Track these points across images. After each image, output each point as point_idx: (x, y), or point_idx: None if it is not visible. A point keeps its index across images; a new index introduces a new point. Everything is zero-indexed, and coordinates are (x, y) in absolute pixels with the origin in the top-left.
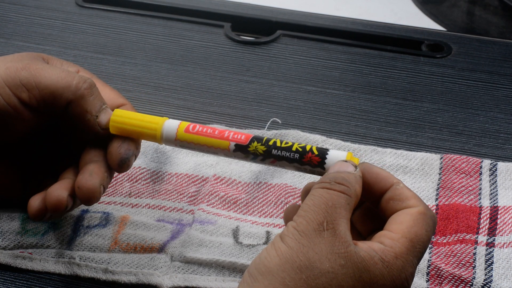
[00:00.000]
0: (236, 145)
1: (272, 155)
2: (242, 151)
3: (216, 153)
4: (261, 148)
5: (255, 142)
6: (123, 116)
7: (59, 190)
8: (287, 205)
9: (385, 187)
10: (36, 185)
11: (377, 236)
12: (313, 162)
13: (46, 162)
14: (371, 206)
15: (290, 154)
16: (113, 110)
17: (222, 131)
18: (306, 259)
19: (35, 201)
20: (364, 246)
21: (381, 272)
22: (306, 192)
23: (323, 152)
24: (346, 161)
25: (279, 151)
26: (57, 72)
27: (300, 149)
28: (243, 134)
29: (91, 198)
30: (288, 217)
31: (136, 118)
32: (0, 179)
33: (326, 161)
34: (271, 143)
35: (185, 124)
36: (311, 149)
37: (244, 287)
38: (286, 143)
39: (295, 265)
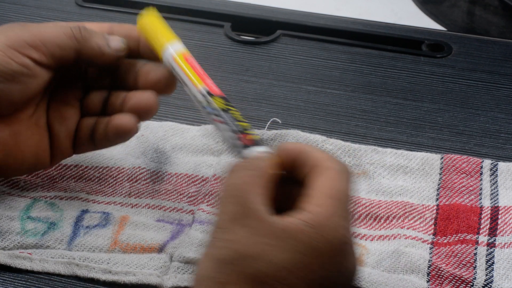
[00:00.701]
0: (205, 89)
1: (221, 115)
2: (204, 96)
3: (187, 86)
4: (220, 103)
5: (220, 98)
6: (151, 21)
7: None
8: None
9: (297, 154)
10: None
11: (299, 203)
12: (244, 142)
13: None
14: (296, 178)
15: (234, 125)
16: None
17: (205, 75)
18: (233, 251)
19: None
20: (288, 219)
21: (313, 236)
22: None
23: (256, 143)
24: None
25: (229, 118)
26: (55, 28)
27: (243, 127)
28: (218, 89)
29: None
30: None
31: (159, 27)
32: (27, 141)
33: (248, 149)
34: (231, 110)
35: (186, 52)
36: (252, 136)
37: None
38: (242, 121)
39: (226, 261)
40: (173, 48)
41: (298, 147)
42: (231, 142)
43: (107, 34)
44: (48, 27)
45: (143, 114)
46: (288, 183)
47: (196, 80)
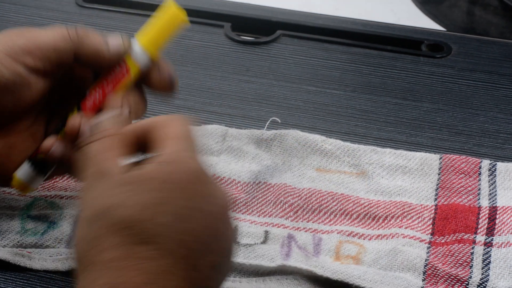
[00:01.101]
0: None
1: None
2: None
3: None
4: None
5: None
6: (145, 35)
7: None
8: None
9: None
10: None
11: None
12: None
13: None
14: None
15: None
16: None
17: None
18: (97, 207)
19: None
20: (141, 166)
21: (163, 170)
22: None
23: None
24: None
25: None
26: (50, 31)
27: None
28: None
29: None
30: None
31: (154, 27)
32: (21, 154)
33: None
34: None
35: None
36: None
37: (76, 266)
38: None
39: (92, 218)
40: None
41: (142, 126)
42: None
43: (105, 34)
44: (44, 31)
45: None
46: None
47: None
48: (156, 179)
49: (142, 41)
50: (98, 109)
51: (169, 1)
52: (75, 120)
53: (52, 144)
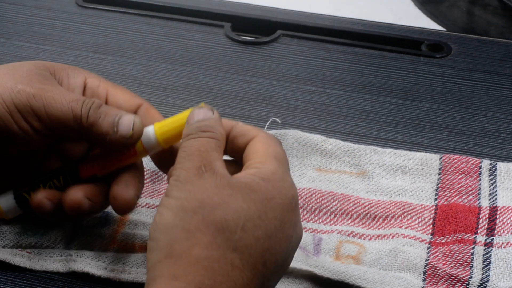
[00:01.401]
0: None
1: None
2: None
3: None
4: None
5: None
6: (164, 126)
7: (77, 193)
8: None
9: (227, 131)
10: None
11: (246, 166)
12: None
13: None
14: (229, 154)
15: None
16: (132, 113)
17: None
18: (196, 201)
19: (47, 202)
20: (242, 175)
21: (266, 188)
22: None
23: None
24: (200, 107)
25: None
26: (67, 102)
27: None
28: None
29: (126, 209)
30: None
31: (176, 122)
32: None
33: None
34: None
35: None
36: None
37: (150, 253)
38: None
39: (189, 210)
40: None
41: (225, 123)
42: None
43: (119, 115)
44: (61, 98)
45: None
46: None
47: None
48: (259, 193)
49: (159, 132)
50: (94, 175)
51: (202, 104)
52: (38, 197)
53: (39, 201)
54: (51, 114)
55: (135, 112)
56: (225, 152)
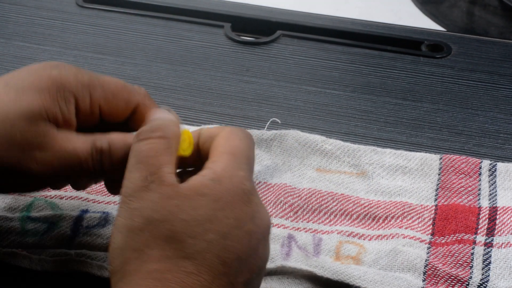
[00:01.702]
0: None
1: None
2: None
3: None
4: None
5: None
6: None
7: None
8: None
9: (196, 141)
10: None
11: (204, 166)
12: None
13: None
14: (203, 160)
15: None
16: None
17: None
18: (143, 218)
19: None
20: (193, 178)
21: (215, 188)
22: None
23: None
24: (160, 107)
25: None
26: (78, 147)
27: None
28: None
29: None
30: None
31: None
32: None
33: None
34: None
35: None
36: None
37: (111, 278)
38: None
39: (135, 229)
40: None
41: (196, 133)
42: None
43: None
44: (72, 143)
45: None
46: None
47: None
48: (207, 196)
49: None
50: None
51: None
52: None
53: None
54: (60, 157)
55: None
56: (197, 161)
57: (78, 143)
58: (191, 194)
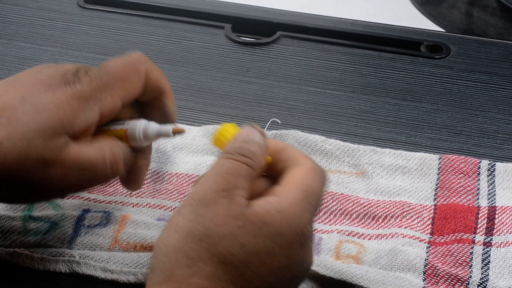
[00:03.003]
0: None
1: None
2: None
3: None
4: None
5: None
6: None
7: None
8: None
9: (277, 151)
10: None
11: (271, 190)
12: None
13: None
14: (271, 173)
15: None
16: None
17: None
18: (204, 228)
19: None
20: (259, 202)
21: (280, 222)
22: None
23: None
24: (254, 127)
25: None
26: (96, 153)
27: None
28: None
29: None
30: None
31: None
32: None
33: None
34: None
35: None
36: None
37: (151, 273)
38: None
39: (195, 236)
40: None
41: (277, 145)
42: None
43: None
44: (93, 149)
45: None
46: (264, 177)
47: None
48: (270, 227)
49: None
50: None
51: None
52: None
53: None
54: (75, 166)
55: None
56: (272, 172)
57: (94, 154)
58: (257, 221)
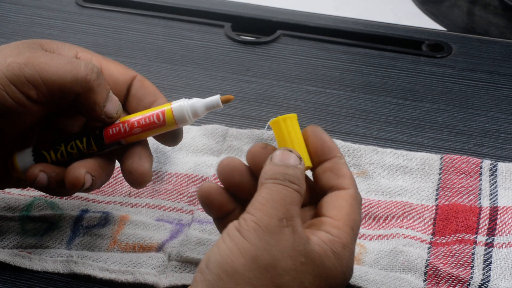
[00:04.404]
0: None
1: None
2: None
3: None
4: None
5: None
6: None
7: (79, 169)
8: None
9: (327, 156)
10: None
11: (321, 223)
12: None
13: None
14: (313, 177)
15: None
16: (126, 87)
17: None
18: (271, 257)
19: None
20: (315, 240)
21: (334, 264)
22: (252, 155)
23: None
24: (290, 150)
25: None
26: (62, 65)
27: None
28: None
29: (143, 182)
30: (253, 158)
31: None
32: (11, 141)
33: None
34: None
35: None
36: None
37: (207, 285)
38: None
39: (261, 264)
40: None
41: (329, 144)
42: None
43: (110, 93)
44: (56, 60)
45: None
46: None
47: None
48: (328, 269)
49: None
50: (117, 142)
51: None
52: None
53: (36, 175)
54: (46, 79)
55: (130, 83)
56: (314, 177)
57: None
58: (317, 260)
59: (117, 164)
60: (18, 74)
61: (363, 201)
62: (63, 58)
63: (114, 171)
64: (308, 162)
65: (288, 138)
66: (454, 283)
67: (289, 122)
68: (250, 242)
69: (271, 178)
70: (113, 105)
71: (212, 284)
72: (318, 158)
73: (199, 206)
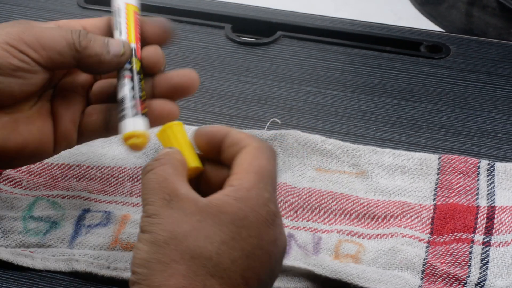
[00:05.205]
0: (134, 46)
1: (134, 75)
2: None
3: (121, 35)
4: (138, 66)
5: (139, 62)
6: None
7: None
8: None
9: (219, 141)
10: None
11: (226, 182)
12: (138, 109)
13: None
14: (223, 162)
15: (139, 89)
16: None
17: (138, 38)
18: (167, 232)
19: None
20: (216, 196)
21: (239, 208)
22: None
23: (145, 114)
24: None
25: (138, 80)
26: (54, 32)
27: (143, 96)
28: (140, 55)
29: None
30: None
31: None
32: (28, 126)
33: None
34: (141, 77)
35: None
36: (145, 108)
37: (132, 287)
38: (143, 90)
39: (161, 242)
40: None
41: (220, 132)
42: (127, 104)
43: (107, 39)
44: (50, 30)
45: (182, 93)
46: (220, 167)
47: (132, 34)
48: (229, 213)
49: None
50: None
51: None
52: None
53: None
54: (44, 44)
55: (107, 23)
56: (224, 161)
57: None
58: (214, 211)
59: (117, 165)
60: (18, 39)
61: (361, 201)
62: (53, 27)
63: (116, 171)
64: (197, 163)
65: (175, 143)
66: (451, 282)
67: (175, 129)
68: (148, 232)
69: (142, 173)
70: (116, 44)
71: (134, 281)
72: (214, 148)
73: None
